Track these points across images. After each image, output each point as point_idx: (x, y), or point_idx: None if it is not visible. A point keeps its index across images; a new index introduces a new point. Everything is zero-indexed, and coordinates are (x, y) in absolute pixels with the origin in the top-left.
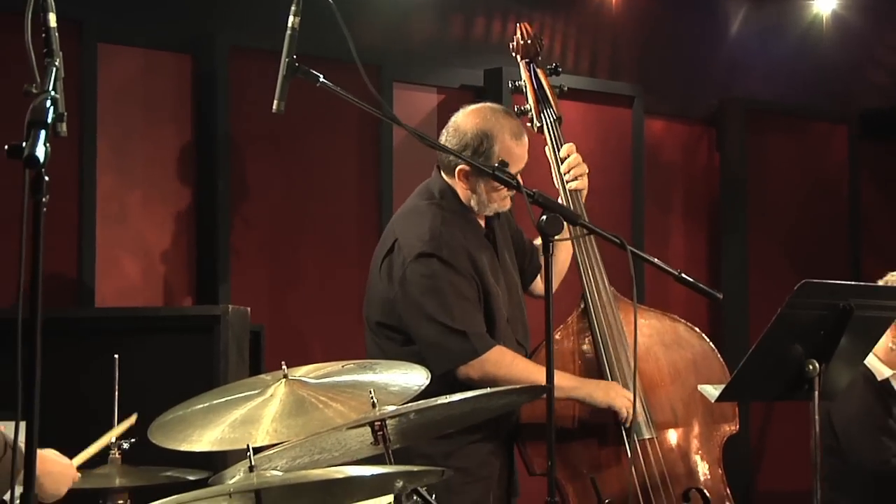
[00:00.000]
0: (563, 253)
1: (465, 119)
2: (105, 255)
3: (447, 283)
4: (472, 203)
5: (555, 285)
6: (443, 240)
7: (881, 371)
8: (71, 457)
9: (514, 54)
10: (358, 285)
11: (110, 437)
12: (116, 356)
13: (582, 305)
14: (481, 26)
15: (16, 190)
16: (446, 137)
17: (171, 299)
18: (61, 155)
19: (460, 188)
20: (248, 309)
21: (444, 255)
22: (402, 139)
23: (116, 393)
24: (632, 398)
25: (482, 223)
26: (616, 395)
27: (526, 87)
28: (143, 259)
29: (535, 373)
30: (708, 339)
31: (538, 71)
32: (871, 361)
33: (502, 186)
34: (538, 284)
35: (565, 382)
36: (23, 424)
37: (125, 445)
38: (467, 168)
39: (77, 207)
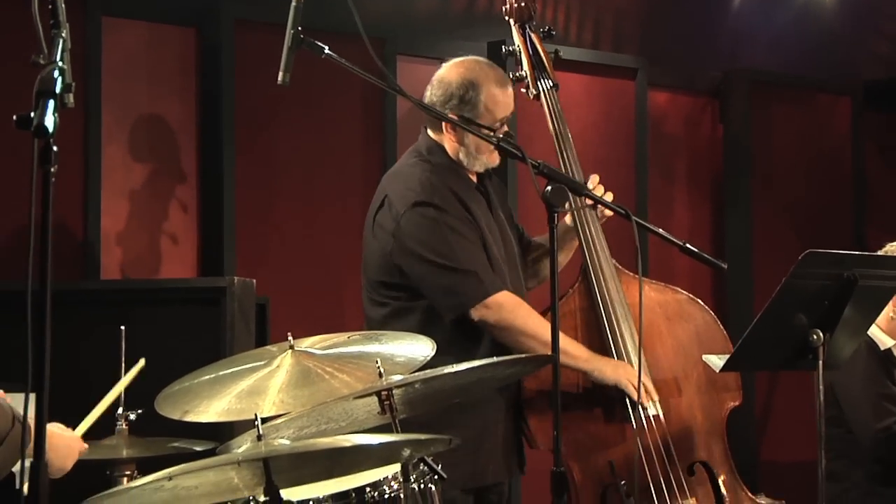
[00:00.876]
0: (565, 256)
1: (450, 70)
2: (110, 228)
3: (447, 227)
4: (461, 156)
5: (534, 284)
6: (435, 187)
7: (883, 341)
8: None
9: (506, 18)
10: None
11: (119, 389)
12: (122, 328)
13: (583, 278)
14: None
15: (23, 161)
16: (431, 91)
17: (176, 272)
18: (67, 128)
19: (448, 141)
20: (254, 281)
21: (438, 201)
22: (406, 111)
23: (123, 365)
24: (645, 384)
25: (473, 179)
26: (624, 374)
27: (520, 52)
28: (148, 232)
29: (550, 332)
30: (710, 311)
31: (532, 35)
32: (874, 331)
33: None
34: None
35: (576, 351)
36: (32, 396)
37: (132, 416)
38: (455, 118)
39: (82, 180)
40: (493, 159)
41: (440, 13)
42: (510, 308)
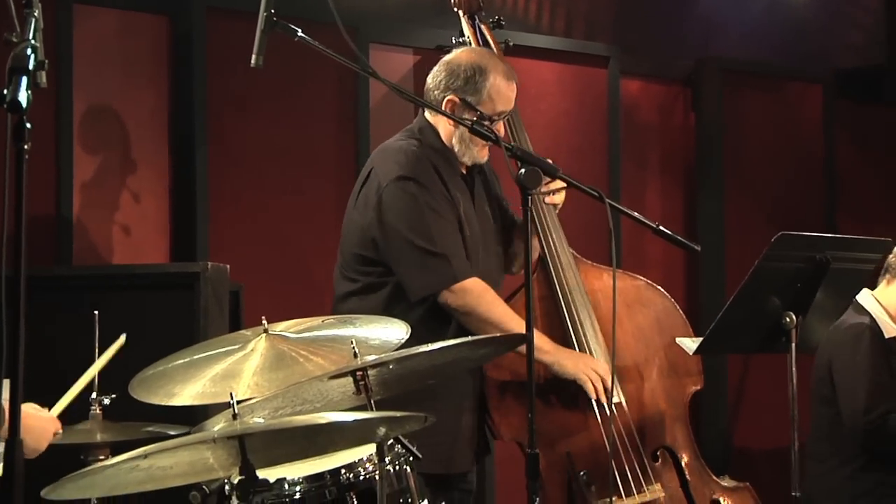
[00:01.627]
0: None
1: (460, 55)
2: (82, 215)
3: (426, 205)
4: (454, 141)
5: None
6: (420, 163)
7: (890, 328)
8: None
9: (455, 10)
10: (336, 243)
11: (99, 366)
12: (96, 312)
13: (541, 267)
14: None
15: None
16: (436, 71)
17: (148, 259)
18: (38, 115)
19: (444, 125)
20: (228, 266)
21: (420, 177)
22: (379, 98)
23: (97, 349)
24: (600, 371)
25: (462, 170)
26: (584, 368)
27: (470, 43)
28: (120, 219)
29: (513, 320)
30: (669, 296)
31: (482, 26)
32: (882, 317)
33: (486, 125)
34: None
35: (540, 344)
36: (7, 382)
37: (106, 401)
38: (456, 100)
39: (54, 167)
40: (483, 154)
41: (413, 1)
42: (476, 294)
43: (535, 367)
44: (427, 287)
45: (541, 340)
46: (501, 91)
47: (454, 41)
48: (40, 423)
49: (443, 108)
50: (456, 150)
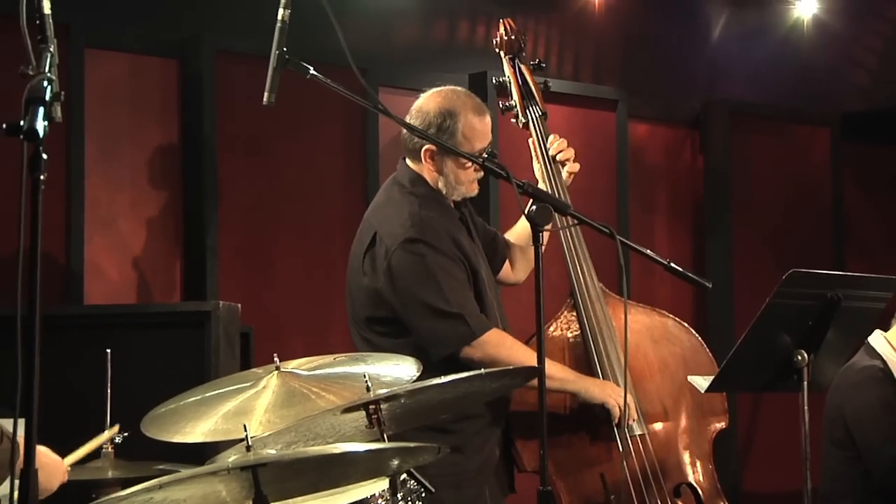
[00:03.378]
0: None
1: (427, 100)
2: (93, 257)
3: (436, 266)
4: (441, 185)
5: (523, 276)
6: (425, 224)
7: None
8: (63, 453)
9: (497, 50)
10: (345, 284)
11: (98, 442)
12: (108, 351)
13: (571, 300)
14: (465, 30)
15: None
16: (409, 121)
17: (159, 299)
18: (50, 156)
19: (427, 171)
20: (239, 305)
21: (428, 238)
22: (388, 140)
23: (109, 388)
24: (624, 400)
25: (454, 209)
26: (612, 394)
27: (510, 82)
28: (130, 261)
29: (535, 359)
30: (696, 334)
31: (522, 67)
32: (894, 360)
33: (470, 166)
34: (507, 273)
35: (562, 374)
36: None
37: (118, 440)
38: (433, 148)
39: (65, 210)
40: (472, 189)
41: (421, 45)
42: (494, 343)
43: (559, 398)
44: (447, 347)
45: (564, 371)
46: (476, 129)
47: (495, 81)
48: (52, 463)
49: (422, 158)
50: (444, 192)
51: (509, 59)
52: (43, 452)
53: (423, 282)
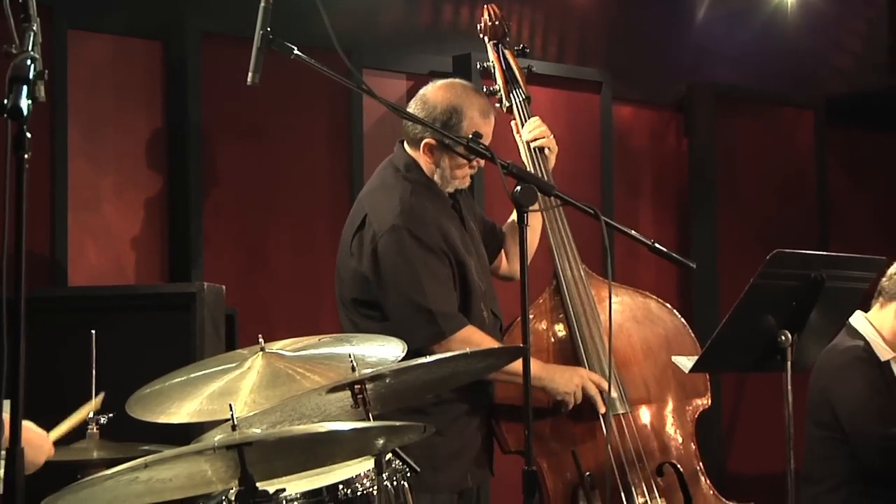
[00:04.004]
0: (533, 235)
1: (436, 93)
2: (77, 240)
3: (418, 259)
4: (436, 178)
5: (517, 269)
6: (414, 213)
7: (883, 351)
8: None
9: (481, 35)
10: (330, 266)
11: (82, 414)
12: (93, 332)
13: (554, 283)
14: (450, 13)
15: None
16: (414, 108)
17: (143, 281)
18: (33, 140)
19: (424, 162)
20: (224, 287)
21: (414, 229)
22: (372, 122)
23: (94, 369)
24: (595, 380)
25: (447, 197)
26: (578, 380)
27: (494, 68)
28: (115, 244)
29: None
30: (679, 315)
31: (506, 52)
32: (876, 340)
33: (465, 162)
34: (501, 263)
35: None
36: (7, 402)
37: (103, 420)
38: (433, 142)
39: (49, 193)
40: (465, 182)
41: (406, 27)
42: (461, 341)
43: None
44: (416, 341)
45: (533, 366)
46: (479, 128)
47: (480, 66)
48: (38, 437)
49: (420, 149)
50: (439, 183)
51: (493, 44)
52: (28, 428)
53: (405, 272)
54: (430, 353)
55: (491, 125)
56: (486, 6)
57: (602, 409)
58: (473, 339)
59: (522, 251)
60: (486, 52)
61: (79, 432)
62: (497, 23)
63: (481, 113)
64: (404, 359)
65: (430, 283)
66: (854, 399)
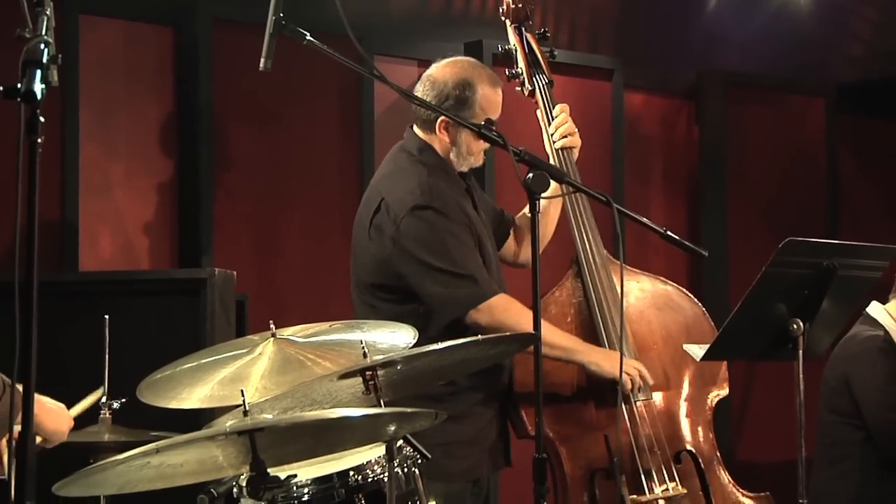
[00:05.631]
0: (550, 224)
1: (443, 70)
2: (88, 225)
3: (445, 231)
4: (452, 156)
5: (526, 258)
6: (434, 191)
7: None
8: None
9: (503, 18)
10: (341, 252)
11: (93, 399)
12: (106, 317)
13: (576, 267)
14: None
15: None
16: (423, 90)
17: (153, 266)
18: (45, 124)
19: (440, 141)
20: (234, 273)
21: (437, 205)
22: (383, 107)
23: (107, 355)
24: (637, 369)
25: (461, 180)
26: (635, 364)
27: (517, 50)
28: (126, 229)
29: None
30: (699, 303)
31: (528, 35)
32: (892, 326)
33: None
34: (510, 252)
35: (570, 343)
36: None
37: (115, 405)
38: (448, 120)
39: (60, 177)
40: (479, 160)
41: (417, 13)
42: (502, 308)
43: (568, 368)
44: (456, 308)
45: (573, 341)
46: (490, 100)
47: (500, 49)
48: (58, 409)
49: (436, 129)
50: (455, 163)
51: (515, 28)
52: (47, 399)
53: (433, 246)
54: (472, 319)
55: (499, 95)
56: None
57: (640, 394)
58: (513, 308)
59: (534, 238)
60: (507, 35)
61: (91, 417)
62: (520, 5)
63: (490, 84)
64: (435, 338)
65: (460, 250)
66: (876, 387)
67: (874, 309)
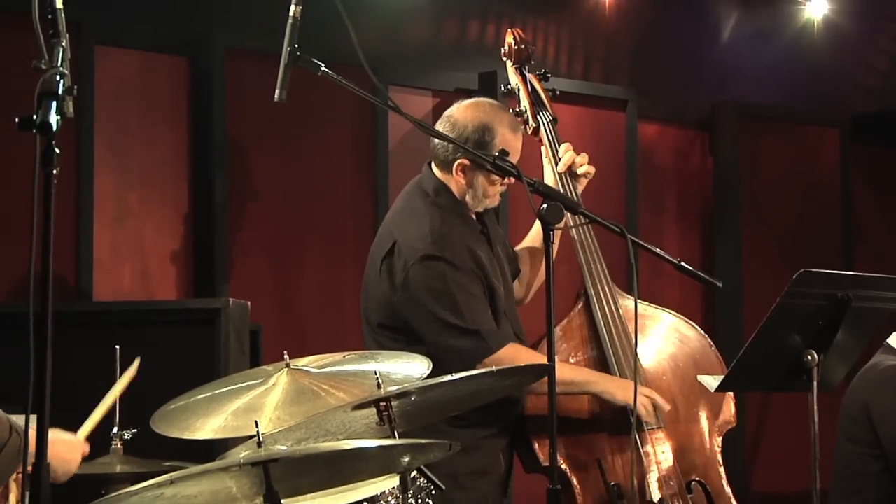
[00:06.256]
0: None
1: (464, 112)
2: (102, 255)
3: (454, 283)
4: (468, 198)
5: (533, 290)
6: (445, 240)
7: None
8: None
9: (504, 59)
10: (355, 282)
11: (119, 388)
12: (118, 347)
13: (584, 298)
14: (476, 30)
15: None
16: (442, 129)
17: (168, 296)
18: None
19: (456, 182)
20: (249, 303)
21: (447, 256)
22: (397, 137)
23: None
24: (650, 397)
25: (475, 221)
26: (647, 393)
27: (520, 90)
28: (140, 259)
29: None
30: (705, 334)
31: (529, 76)
32: None
33: (499, 179)
34: (516, 287)
35: (583, 376)
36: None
37: (127, 436)
38: (467, 162)
39: (75, 207)
40: (495, 201)
41: (431, 44)
42: (511, 358)
43: (580, 398)
44: (463, 364)
45: (585, 374)
46: (510, 144)
47: (504, 88)
48: (68, 447)
49: (453, 170)
50: (470, 204)
51: (516, 68)
52: (58, 440)
53: (440, 299)
54: None
55: (520, 140)
56: (510, 30)
57: (653, 421)
58: (521, 356)
59: (549, 268)
60: (508, 74)
61: (103, 447)
62: (523, 46)
63: (511, 128)
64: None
65: (467, 303)
66: (892, 413)
67: (895, 339)
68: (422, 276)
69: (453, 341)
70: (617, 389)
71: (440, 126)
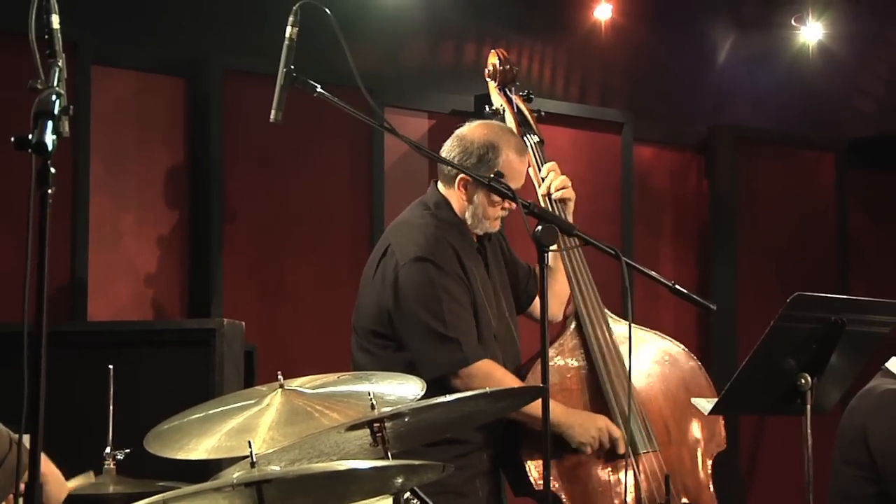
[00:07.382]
0: (563, 278)
1: (473, 130)
2: (97, 275)
3: (441, 288)
4: (467, 215)
5: (557, 308)
6: (438, 245)
7: None
8: (64, 470)
9: (488, 79)
10: (350, 303)
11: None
12: (111, 367)
13: (575, 322)
14: (472, 52)
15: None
16: (450, 146)
17: (163, 316)
18: (56, 174)
19: (457, 198)
20: (243, 323)
21: (437, 259)
22: (393, 159)
23: (111, 405)
24: (602, 429)
25: (474, 239)
26: (594, 430)
27: (505, 111)
28: (135, 279)
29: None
30: (695, 357)
31: (514, 97)
32: None
33: (499, 200)
34: (536, 307)
35: (553, 412)
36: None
37: (119, 456)
38: (469, 178)
39: (70, 227)
40: (494, 225)
41: (428, 65)
42: (481, 377)
43: None
44: (437, 370)
45: (554, 409)
46: (514, 167)
47: (487, 109)
48: (58, 474)
49: (455, 185)
50: (469, 223)
51: (500, 90)
52: (50, 462)
53: (425, 302)
54: (450, 382)
55: (525, 164)
56: (494, 50)
57: (621, 450)
58: (495, 374)
59: (542, 290)
60: (490, 96)
61: (96, 467)
62: (507, 67)
63: (517, 152)
64: (424, 395)
65: (453, 310)
66: (894, 440)
67: (894, 364)
68: (410, 277)
69: (431, 346)
70: (577, 429)
71: (449, 143)
